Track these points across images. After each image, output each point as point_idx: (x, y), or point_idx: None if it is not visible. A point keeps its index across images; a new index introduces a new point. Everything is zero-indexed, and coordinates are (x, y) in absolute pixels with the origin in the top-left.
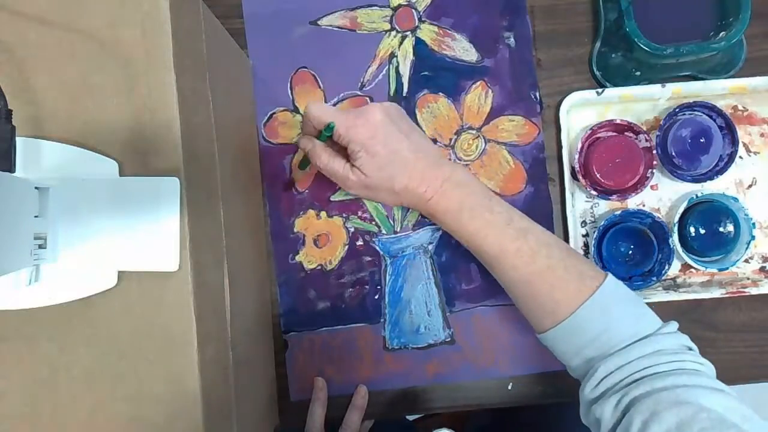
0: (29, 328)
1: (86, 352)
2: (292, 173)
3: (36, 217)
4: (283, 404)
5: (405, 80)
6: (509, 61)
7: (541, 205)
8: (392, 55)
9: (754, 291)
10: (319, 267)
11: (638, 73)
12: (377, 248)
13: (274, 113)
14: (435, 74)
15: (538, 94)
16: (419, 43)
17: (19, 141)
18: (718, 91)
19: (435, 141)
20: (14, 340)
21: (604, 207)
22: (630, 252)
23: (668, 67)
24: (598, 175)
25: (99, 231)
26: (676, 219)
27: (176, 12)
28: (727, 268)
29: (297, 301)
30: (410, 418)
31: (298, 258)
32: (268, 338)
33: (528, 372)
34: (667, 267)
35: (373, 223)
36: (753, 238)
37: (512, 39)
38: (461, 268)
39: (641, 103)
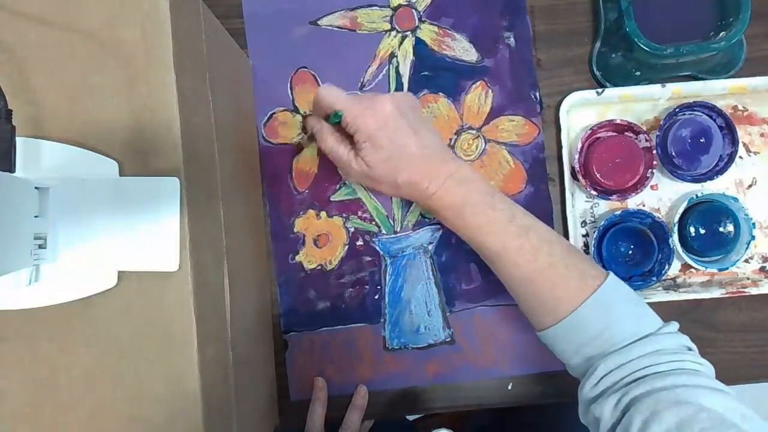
0: (29, 328)
1: (86, 352)
2: (301, 142)
3: (36, 217)
4: (283, 404)
5: (405, 80)
6: (509, 61)
7: (541, 205)
8: (392, 55)
9: (754, 291)
10: (319, 267)
11: (638, 73)
12: (377, 248)
13: (274, 113)
14: (435, 74)
15: (538, 94)
16: (419, 43)
17: (19, 141)
18: (718, 91)
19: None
20: (14, 340)
21: (604, 207)
22: (630, 252)
23: (668, 67)
24: (598, 175)
25: (99, 231)
26: (676, 219)
27: (176, 12)
28: (727, 268)
29: (297, 301)
30: (410, 418)
31: (298, 258)
32: (268, 338)
33: (528, 372)
34: (667, 267)
35: (373, 223)
36: (753, 238)
37: (512, 39)
38: (461, 268)
39: (641, 103)
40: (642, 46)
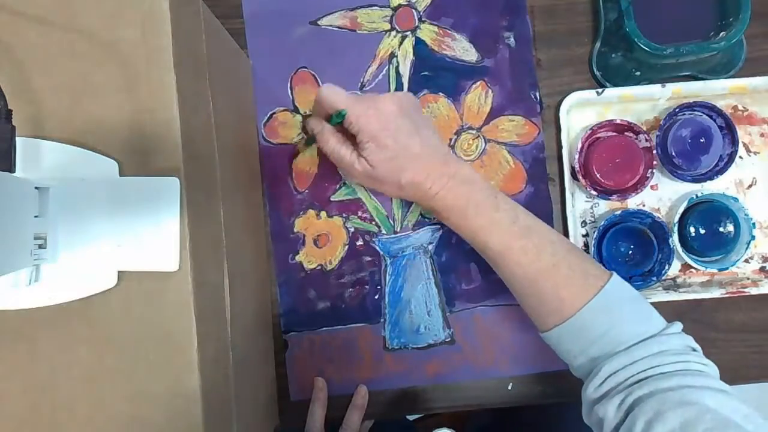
0: (29, 328)
1: (86, 352)
2: (298, 148)
3: (36, 217)
4: (283, 404)
5: (405, 80)
6: (509, 61)
7: (541, 205)
8: (392, 55)
9: (754, 291)
10: (319, 267)
11: (638, 73)
12: (377, 248)
13: (274, 113)
14: (435, 74)
15: (538, 94)
16: (419, 43)
17: (19, 141)
18: (718, 91)
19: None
20: (14, 340)
21: (604, 207)
22: (630, 252)
23: (668, 67)
24: (598, 175)
25: (99, 231)
26: (676, 219)
27: (176, 12)
28: (727, 268)
29: (297, 301)
30: (410, 418)
31: (298, 258)
32: (268, 338)
33: (528, 372)
34: (667, 267)
35: (373, 223)
36: (753, 238)
37: (512, 39)
38: (461, 268)
39: (641, 103)
40: (642, 46)
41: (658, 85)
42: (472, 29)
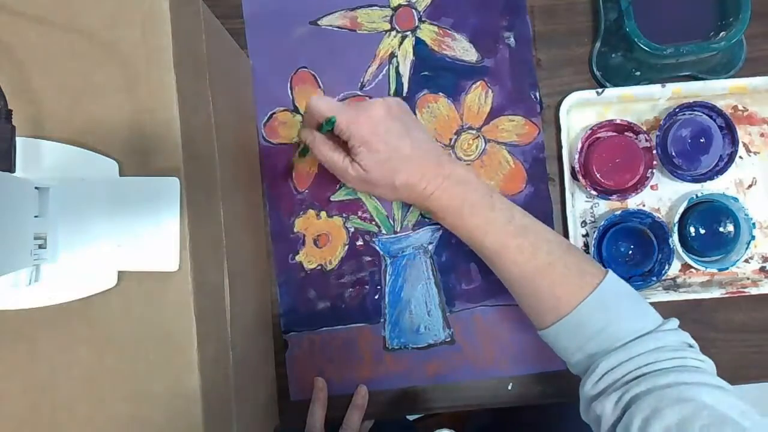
0: (29, 328)
1: (86, 352)
2: (293, 159)
3: (36, 217)
4: (283, 404)
5: (405, 80)
6: (509, 61)
7: (541, 205)
8: (392, 55)
9: (754, 291)
10: (319, 267)
11: (638, 73)
12: (377, 248)
13: (274, 113)
14: (435, 74)
15: (538, 94)
16: (419, 43)
17: (19, 141)
18: (718, 91)
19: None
20: (14, 340)
21: (604, 207)
22: (630, 252)
23: (668, 67)
24: (598, 175)
25: (99, 231)
26: (676, 219)
27: (176, 12)
28: (727, 268)
29: (297, 301)
30: (410, 418)
31: (298, 258)
32: (268, 338)
33: (528, 372)
34: (667, 267)
35: (373, 223)
36: (753, 238)
37: (512, 39)
38: (461, 268)
39: (641, 103)
40: (642, 46)
41: (658, 85)
42: (472, 29)
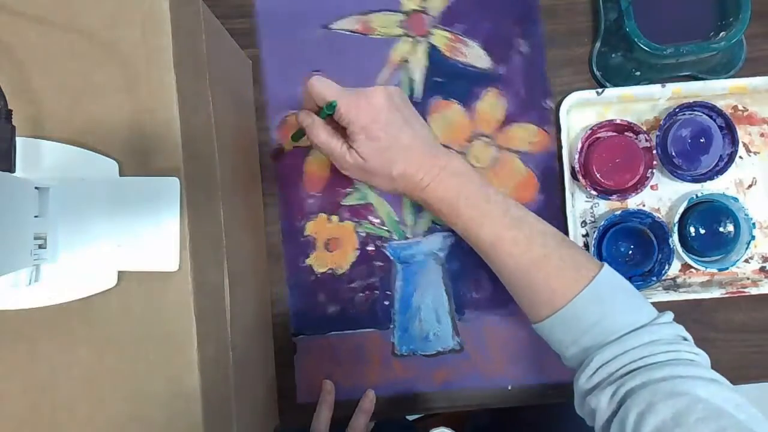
0: (29, 328)
1: (86, 352)
2: (284, 145)
3: (36, 217)
4: (283, 404)
5: (417, 86)
6: (522, 68)
7: (553, 215)
8: (405, 61)
9: (754, 291)
10: (330, 271)
11: (638, 73)
12: (388, 254)
13: (287, 116)
14: (448, 80)
15: (550, 102)
16: (432, 49)
17: (19, 141)
18: (718, 91)
19: (446, 148)
20: (14, 340)
21: (604, 207)
22: (630, 252)
23: (668, 67)
24: (598, 175)
25: (99, 231)
26: (676, 219)
27: (176, 12)
28: (727, 268)
29: (307, 304)
30: (410, 418)
31: (308, 261)
32: (267, 338)
33: (538, 382)
34: (667, 267)
35: (385, 228)
36: (753, 238)
37: (525, 47)
38: (472, 276)
39: (641, 103)
40: (642, 46)
41: (658, 85)
42: (484, 36)
